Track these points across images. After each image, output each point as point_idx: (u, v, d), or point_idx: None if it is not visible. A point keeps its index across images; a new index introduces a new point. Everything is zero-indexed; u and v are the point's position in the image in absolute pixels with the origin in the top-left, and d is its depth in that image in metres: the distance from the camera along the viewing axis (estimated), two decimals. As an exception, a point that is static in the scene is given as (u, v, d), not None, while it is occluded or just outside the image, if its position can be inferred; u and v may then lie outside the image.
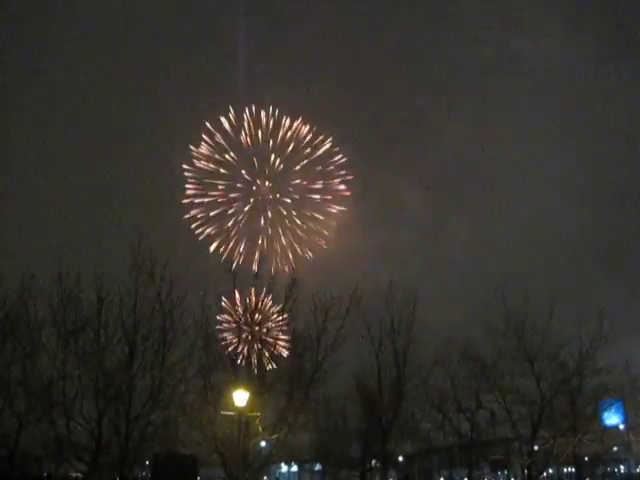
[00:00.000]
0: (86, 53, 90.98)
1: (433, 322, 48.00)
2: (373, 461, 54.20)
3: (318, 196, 46.49)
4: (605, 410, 49.48)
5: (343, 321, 40.52)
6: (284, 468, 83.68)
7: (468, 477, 58.28)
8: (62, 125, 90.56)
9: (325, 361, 40.07)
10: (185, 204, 45.25)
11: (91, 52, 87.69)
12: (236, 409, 32.42)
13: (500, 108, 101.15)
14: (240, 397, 31.93)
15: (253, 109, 46.83)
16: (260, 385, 37.86)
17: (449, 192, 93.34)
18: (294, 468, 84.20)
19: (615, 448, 58.08)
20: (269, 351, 40.66)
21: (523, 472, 49.44)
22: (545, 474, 52.01)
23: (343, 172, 47.05)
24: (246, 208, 45.83)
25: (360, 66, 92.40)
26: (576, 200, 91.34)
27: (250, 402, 33.14)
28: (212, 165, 47.01)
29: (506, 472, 67.31)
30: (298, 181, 46.35)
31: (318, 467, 76.72)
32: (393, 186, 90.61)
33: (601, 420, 49.43)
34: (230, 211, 45.79)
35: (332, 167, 47.22)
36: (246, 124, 46.43)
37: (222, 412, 35.53)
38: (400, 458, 66.81)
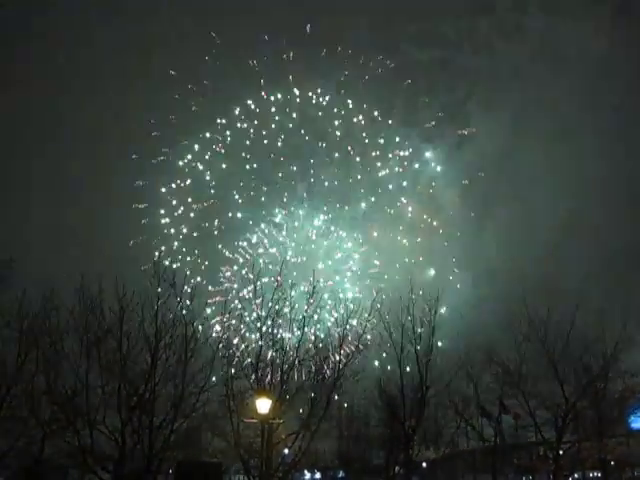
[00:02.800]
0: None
1: (456, 327, 47.83)
2: (396, 467, 53.93)
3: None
4: (631, 413, 49.02)
5: (364, 327, 40.38)
6: (307, 475, 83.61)
7: (492, 482, 57.80)
8: (75, 137, 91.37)
9: (347, 367, 39.95)
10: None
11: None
12: (259, 417, 32.42)
13: (539, 103, 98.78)
14: (263, 405, 31.93)
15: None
16: (283, 392, 37.77)
17: (485, 193, 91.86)
18: (317, 475, 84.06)
19: (642, 451, 57.42)
20: None
21: (548, 477, 49.07)
22: (571, 479, 51.57)
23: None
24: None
25: (393, 56, 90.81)
26: (608, 202, 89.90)
27: (273, 409, 33.13)
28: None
29: (531, 477, 66.78)
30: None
31: (341, 474, 76.56)
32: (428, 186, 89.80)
33: (627, 423, 48.98)
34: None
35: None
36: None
37: (245, 420, 35.55)
38: (424, 464, 66.45)
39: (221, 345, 38.76)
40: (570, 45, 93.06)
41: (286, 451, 41.11)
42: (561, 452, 45.19)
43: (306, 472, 79.29)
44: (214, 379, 37.74)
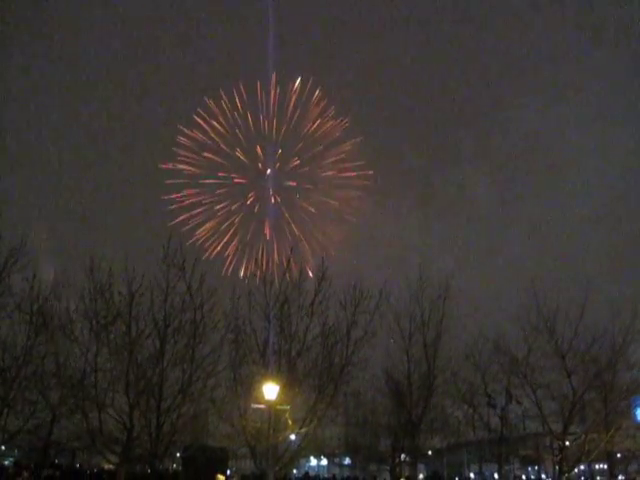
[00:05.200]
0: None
1: (464, 316, 47.63)
2: (402, 455, 54.05)
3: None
4: (638, 406, 48.90)
5: (373, 315, 40.29)
6: (313, 462, 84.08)
7: (498, 472, 57.86)
8: (89, 123, 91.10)
9: (355, 355, 39.96)
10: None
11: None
12: (266, 402, 32.54)
13: (576, 87, 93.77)
14: (270, 390, 32.06)
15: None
16: (290, 378, 37.84)
17: (517, 181, 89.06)
18: (323, 462, 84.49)
19: (649, 444, 57.31)
20: None
21: (554, 468, 49.02)
22: (576, 470, 51.58)
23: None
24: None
25: (424, 35, 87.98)
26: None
27: (280, 395, 33.24)
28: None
29: (537, 468, 66.95)
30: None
31: (347, 461, 76.95)
32: (459, 175, 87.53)
33: (634, 416, 48.90)
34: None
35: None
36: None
37: (252, 405, 35.67)
38: (429, 452, 66.61)
39: (229, 331, 38.80)
40: (610, 24, 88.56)
41: (293, 437, 41.26)
42: (567, 443, 45.18)
43: (312, 458, 79.74)
44: (222, 364, 37.87)
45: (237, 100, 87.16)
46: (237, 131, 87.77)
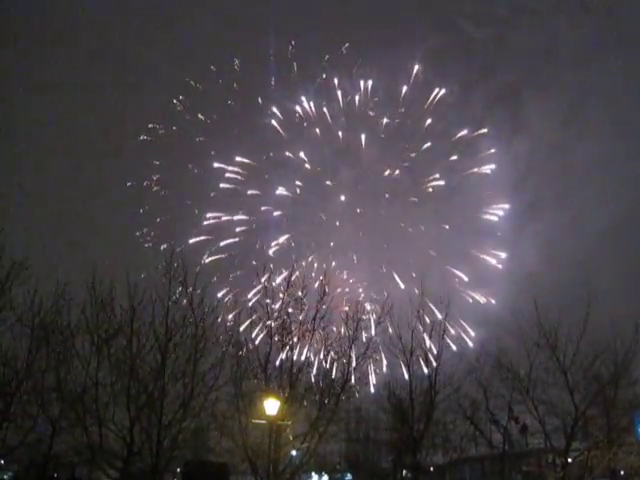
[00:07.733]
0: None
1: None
2: (404, 471, 53.78)
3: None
4: (641, 422, 48.61)
5: (375, 330, 40.33)
6: (315, 477, 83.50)
7: (500, 489, 57.52)
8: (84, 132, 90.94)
9: (357, 370, 39.89)
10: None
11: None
12: (267, 417, 32.44)
13: (600, 92, 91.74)
14: (271, 405, 31.98)
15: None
16: (291, 394, 37.75)
17: (531, 194, 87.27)
18: (325, 478, 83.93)
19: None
20: None
21: (557, 485, 48.76)
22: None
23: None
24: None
25: (444, 35, 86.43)
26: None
27: (281, 411, 33.15)
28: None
29: (539, 484, 66.43)
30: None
31: (349, 477, 76.45)
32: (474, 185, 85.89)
33: (637, 432, 48.57)
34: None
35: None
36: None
37: (253, 420, 35.55)
38: (431, 469, 66.23)
39: (230, 345, 38.78)
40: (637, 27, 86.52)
41: (294, 453, 41.11)
42: (570, 460, 44.90)
43: (313, 474, 79.24)
44: (223, 379, 37.78)
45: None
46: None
